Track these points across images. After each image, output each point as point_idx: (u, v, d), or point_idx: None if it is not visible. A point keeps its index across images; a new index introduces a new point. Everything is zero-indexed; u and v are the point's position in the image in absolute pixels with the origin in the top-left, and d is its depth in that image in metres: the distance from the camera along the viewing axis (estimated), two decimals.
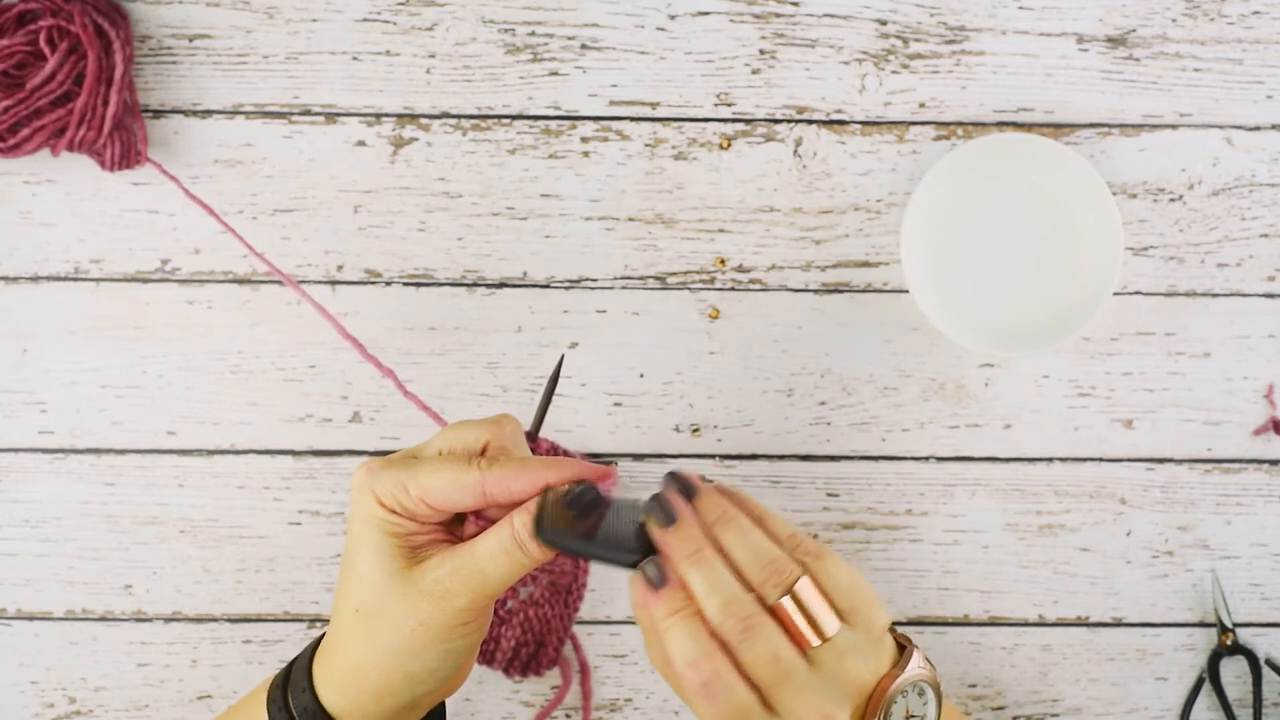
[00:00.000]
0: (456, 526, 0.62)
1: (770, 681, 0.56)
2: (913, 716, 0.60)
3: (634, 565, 0.58)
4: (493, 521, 0.60)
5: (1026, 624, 0.88)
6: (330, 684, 0.61)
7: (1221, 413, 0.88)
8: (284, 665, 0.64)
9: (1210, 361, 0.88)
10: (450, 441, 0.61)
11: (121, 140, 0.84)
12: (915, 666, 0.61)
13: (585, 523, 0.58)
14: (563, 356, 0.72)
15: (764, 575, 0.57)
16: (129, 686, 0.88)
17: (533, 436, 0.84)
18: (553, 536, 0.57)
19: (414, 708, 0.62)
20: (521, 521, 0.58)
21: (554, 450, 0.85)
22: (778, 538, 0.58)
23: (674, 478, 0.59)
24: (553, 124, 0.88)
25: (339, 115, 0.87)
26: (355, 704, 0.61)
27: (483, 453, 0.60)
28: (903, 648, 0.62)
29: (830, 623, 0.57)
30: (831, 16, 0.88)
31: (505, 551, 0.58)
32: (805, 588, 0.57)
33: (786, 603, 0.56)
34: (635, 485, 0.88)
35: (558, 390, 0.84)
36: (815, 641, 0.56)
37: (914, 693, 0.60)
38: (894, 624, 0.88)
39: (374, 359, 0.84)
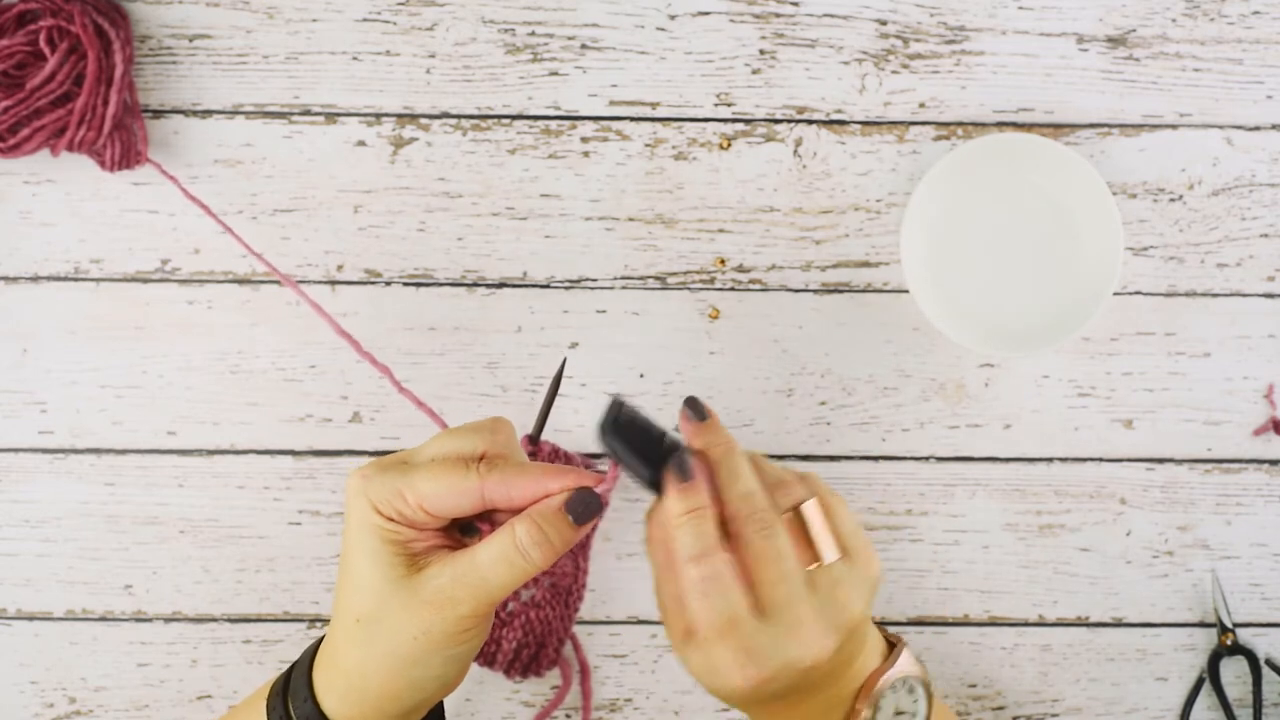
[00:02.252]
0: (454, 531, 0.62)
1: (772, 579, 0.57)
2: (902, 713, 0.61)
3: (659, 481, 0.59)
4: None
5: (1026, 624, 0.88)
6: (332, 691, 0.61)
7: (1221, 413, 0.88)
8: (282, 672, 0.64)
9: (1210, 361, 0.88)
10: (445, 448, 0.60)
11: (121, 140, 0.84)
12: (905, 663, 0.61)
13: (635, 438, 0.59)
14: (565, 360, 0.72)
15: (777, 489, 0.59)
16: (129, 686, 0.88)
17: (535, 439, 0.84)
18: (611, 437, 0.58)
19: (415, 711, 0.62)
20: (524, 529, 0.58)
21: (556, 453, 0.85)
22: (789, 478, 0.61)
23: (692, 401, 0.61)
24: (553, 124, 0.88)
25: (339, 115, 0.87)
26: (358, 711, 0.60)
27: (480, 459, 0.60)
28: (893, 645, 0.62)
29: (830, 550, 0.58)
30: (831, 16, 0.88)
31: (507, 559, 0.58)
32: (812, 510, 0.59)
33: (793, 518, 0.58)
34: (636, 485, 0.88)
35: (558, 391, 0.84)
36: (820, 560, 0.58)
37: (904, 689, 0.61)
38: (894, 624, 0.88)
39: (369, 356, 0.84)
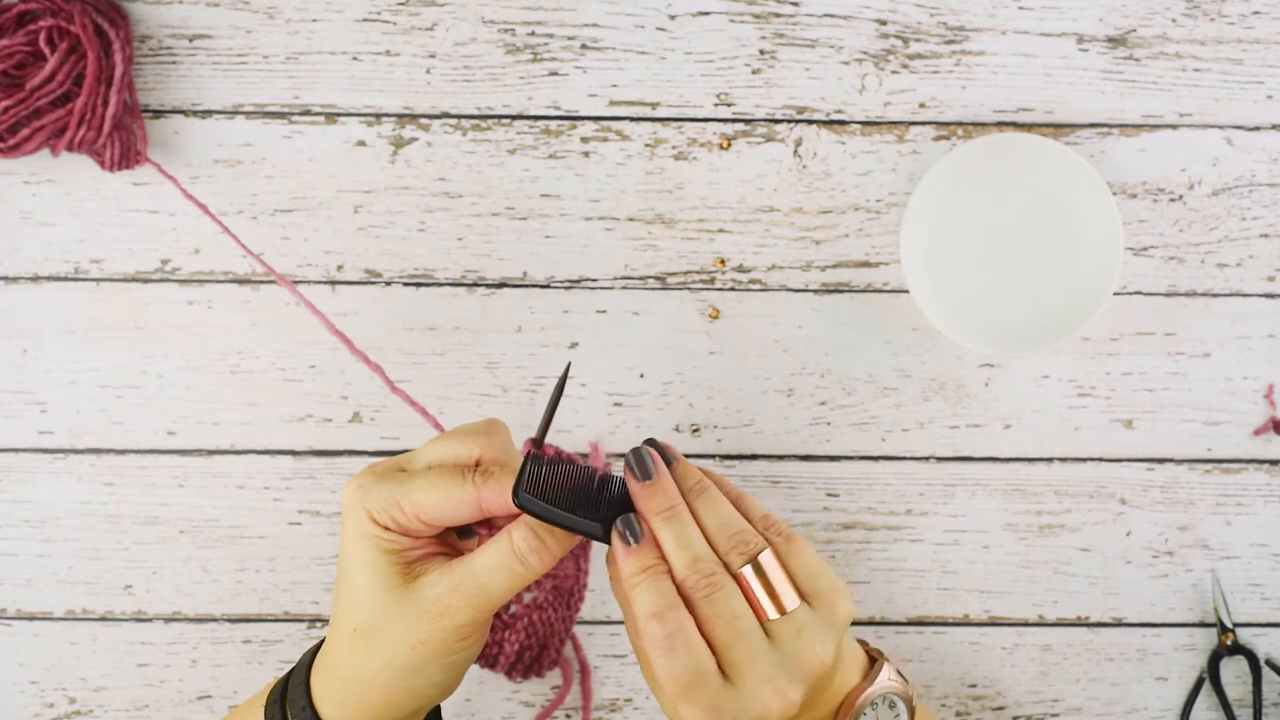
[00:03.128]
0: (450, 537, 0.62)
1: (726, 640, 0.56)
2: None
3: (606, 534, 0.58)
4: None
5: (1026, 624, 0.88)
6: (330, 698, 0.61)
7: (1221, 413, 0.88)
8: (279, 678, 0.63)
9: (1210, 361, 0.88)
10: (440, 454, 0.60)
11: (121, 140, 0.84)
12: (885, 679, 0.61)
13: (562, 492, 0.58)
14: (569, 364, 0.72)
15: (730, 544, 0.58)
16: (129, 686, 0.88)
17: (539, 443, 0.84)
18: (527, 502, 0.57)
19: (413, 716, 0.62)
20: (521, 536, 0.58)
21: (559, 456, 0.85)
22: (750, 516, 0.60)
23: (652, 444, 0.60)
24: (553, 124, 0.88)
25: (339, 115, 0.87)
26: (356, 718, 0.60)
27: (476, 464, 0.59)
28: (874, 660, 0.62)
29: (790, 598, 0.58)
30: (831, 16, 0.88)
31: (505, 566, 0.58)
32: (769, 560, 0.58)
33: (748, 572, 0.57)
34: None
35: (563, 394, 0.84)
36: (773, 614, 0.57)
37: (884, 705, 0.61)
38: (894, 624, 0.88)
39: (362, 355, 0.84)
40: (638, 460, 0.59)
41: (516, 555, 0.58)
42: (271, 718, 0.61)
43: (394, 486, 0.58)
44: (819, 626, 0.57)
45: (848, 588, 0.59)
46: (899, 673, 0.62)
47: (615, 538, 0.58)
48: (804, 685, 0.57)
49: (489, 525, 0.61)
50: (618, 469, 0.62)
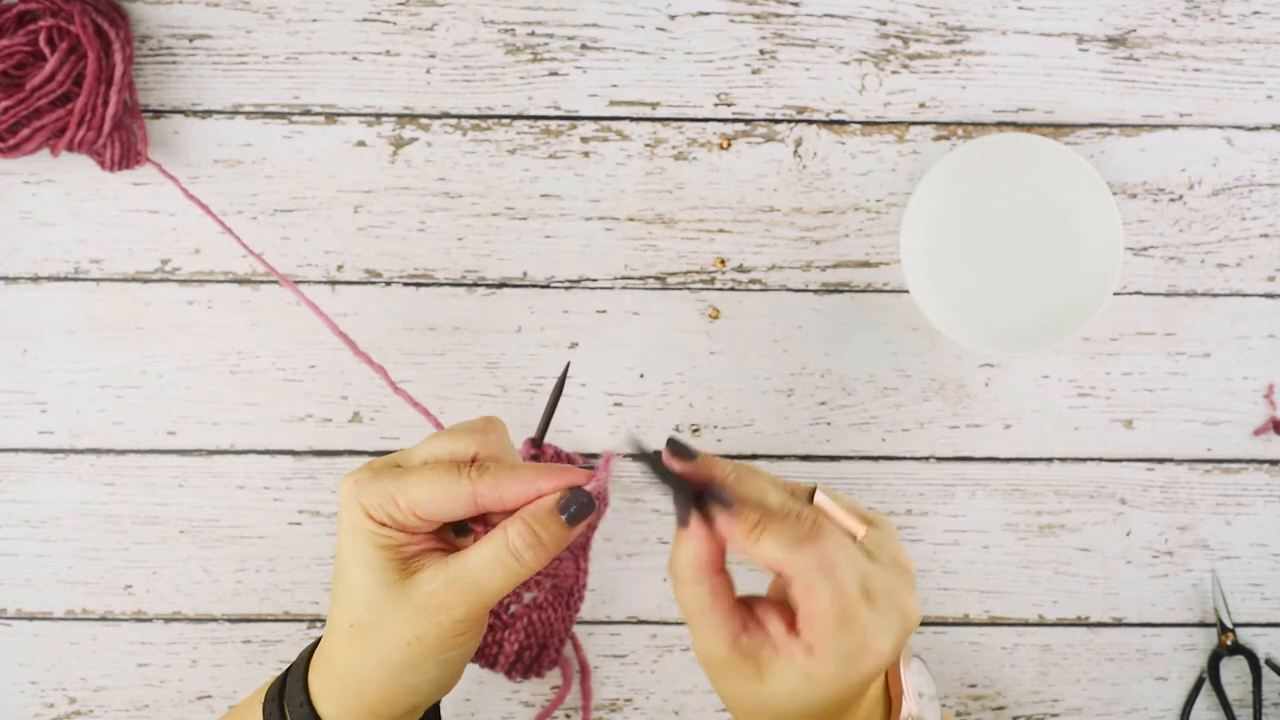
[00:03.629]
0: (447, 533, 0.62)
1: (842, 560, 0.56)
2: None
3: (692, 510, 0.59)
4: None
5: (1026, 624, 0.88)
6: (328, 696, 0.61)
7: (1221, 413, 0.88)
8: (277, 676, 0.64)
9: (1210, 361, 0.88)
10: (437, 450, 0.60)
11: (121, 140, 0.84)
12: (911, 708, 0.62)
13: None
14: (569, 364, 0.72)
15: (789, 488, 0.60)
16: (129, 686, 0.88)
17: (538, 443, 0.84)
18: (680, 444, 0.58)
19: (412, 713, 0.62)
20: (516, 531, 0.58)
21: (559, 455, 0.85)
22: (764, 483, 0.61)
23: (673, 443, 0.60)
24: (553, 124, 0.88)
25: (339, 115, 0.87)
26: (353, 715, 0.60)
27: (472, 461, 0.59)
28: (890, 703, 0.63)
29: (856, 525, 0.59)
30: (831, 16, 0.88)
31: (500, 562, 0.58)
32: (822, 498, 0.59)
33: (822, 499, 0.59)
34: (635, 484, 0.88)
35: (562, 394, 0.84)
36: (859, 533, 0.59)
37: None
38: None
39: (364, 355, 0.84)
40: (676, 446, 0.59)
41: (511, 551, 0.58)
42: (269, 715, 0.61)
43: (390, 482, 0.58)
44: (890, 540, 0.59)
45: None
46: (918, 698, 0.63)
47: (718, 510, 0.58)
48: (910, 589, 0.58)
49: (485, 524, 0.61)
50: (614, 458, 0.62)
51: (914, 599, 0.58)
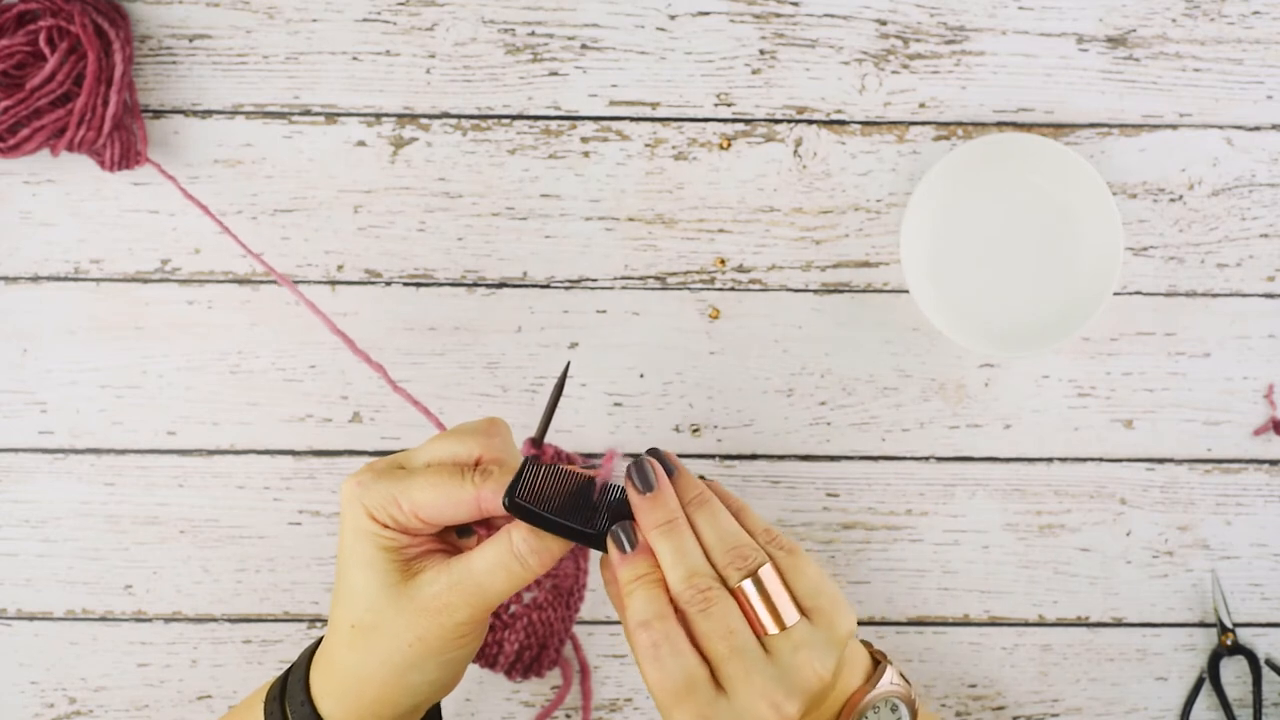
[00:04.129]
0: (450, 535, 0.62)
1: (722, 656, 0.56)
2: None
3: (600, 540, 0.58)
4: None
5: (1026, 624, 0.88)
6: (329, 695, 0.61)
7: (1221, 413, 0.88)
8: (279, 675, 0.64)
9: (1210, 361, 0.88)
10: (440, 452, 0.60)
11: (121, 140, 0.84)
12: (888, 682, 0.61)
13: (558, 498, 0.58)
14: (569, 363, 0.72)
15: (728, 558, 0.57)
16: (129, 686, 0.88)
17: (538, 443, 0.84)
18: (517, 506, 0.57)
19: (413, 713, 0.62)
20: (520, 536, 0.58)
21: (559, 455, 0.85)
22: (752, 530, 0.59)
23: (654, 453, 0.60)
24: (553, 124, 0.88)
25: (339, 115, 0.87)
26: (354, 714, 0.60)
27: (476, 464, 0.59)
28: (877, 663, 0.62)
29: (790, 613, 0.57)
30: (831, 16, 0.88)
31: (504, 565, 0.58)
32: (768, 575, 0.57)
33: (748, 586, 0.57)
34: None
35: (562, 394, 0.84)
36: (772, 629, 0.57)
37: (886, 708, 0.61)
38: (894, 624, 0.88)
39: (364, 354, 0.84)
40: (639, 471, 0.59)
41: (515, 555, 0.58)
42: (271, 714, 0.61)
43: (392, 484, 0.58)
44: (819, 642, 0.57)
45: (850, 603, 0.59)
46: (902, 675, 0.62)
47: (611, 545, 0.58)
48: (801, 701, 0.56)
49: (487, 525, 0.61)
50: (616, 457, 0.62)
51: (791, 704, 0.56)
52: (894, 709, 0.61)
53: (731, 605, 0.57)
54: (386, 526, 0.58)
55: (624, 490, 0.59)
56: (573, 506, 0.58)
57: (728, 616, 0.56)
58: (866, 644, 0.64)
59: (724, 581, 0.57)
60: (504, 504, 0.57)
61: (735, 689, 0.56)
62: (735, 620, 0.56)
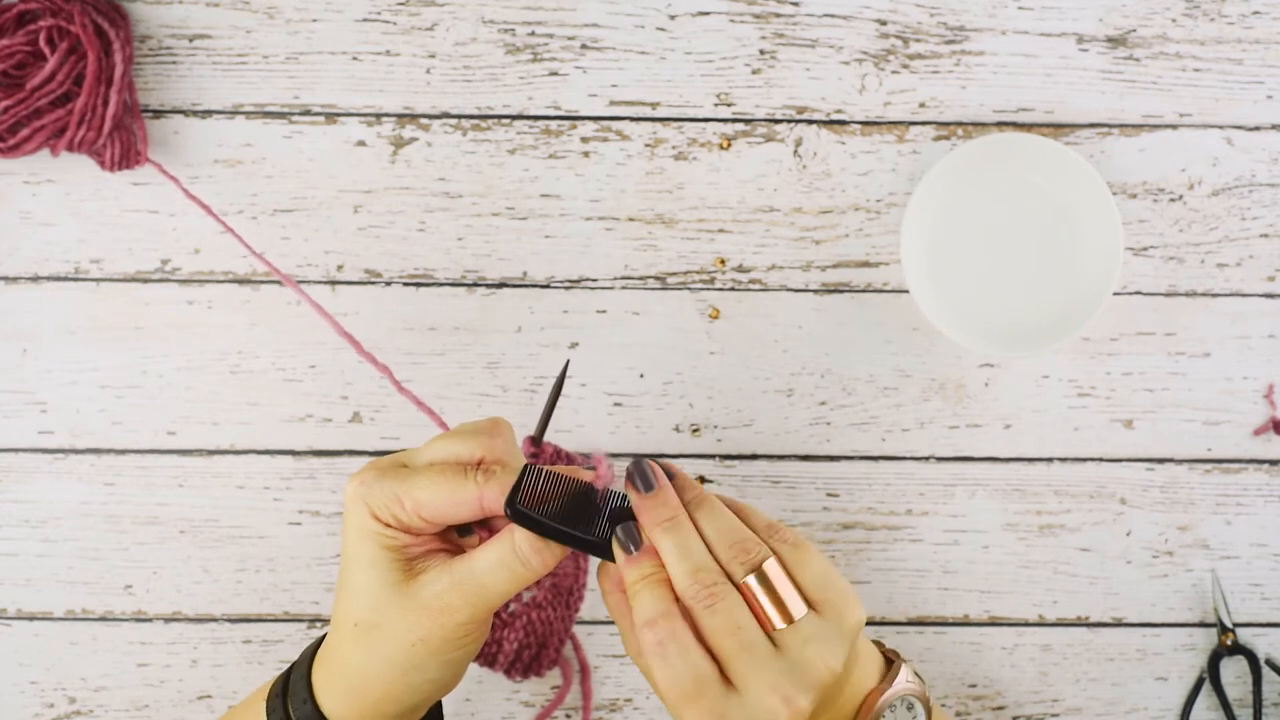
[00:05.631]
0: (452, 534, 0.62)
1: (730, 652, 0.56)
2: None
3: (602, 546, 0.58)
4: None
5: (1026, 624, 0.88)
6: (331, 693, 0.61)
7: (1221, 413, 0.88)
8: (281, 673, 0.64)
9: (1210, 361, 0.88)
10: (443, 452, 0.60)
11: (121, 140, 0.84)
12: (904, 681, 0.61)
13: (558, 504, 0.58)
14: (568, 362, 0.72)
15: (732, 553, 0.57)
16: (129, 686, 0.88)
17: (537, 442, 0.84)
18: (518, 514, 0.57)
19: (414, 711, 0.62)
20: (523, 535, 0.58)
21: (558, 454, 0.85)
22: (754, 526, 0.59)
23: (650, 460, 0.60)
24: (553, 124, 0.88)
25: (339, 115, 0.87)
26: (356, 712, 0.60)
27: (479, 464, 0.59)
28: (890, 662, 0.62)
29: (798, 607, 0.57)
30: (831, 16, 0.88)
31: (506, 565, 0.58)
32: (773, 569, 0.57)
33: (752, 581, 0.57)
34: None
35: (561, 393, 0.84)
36: (779, 623, 0.57)
37: (902, 706, 0.61)
38: (894, 624, 0.88)
39: (369, 356, 0.84)
40: (639, 471, 0.59)
41: (518, 555, 0.58)
42: (273, 710, 0.62)
43: (396, 483, 0.58)
44: (828, 635, 0.57)
45: (857, 595, 0.59)
46: (916, 674, 0.62)
47: (616, 546, 0.58)
48: (812, 694, 0.56)
49: (488, 526, 0.61)
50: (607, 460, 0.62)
51: (802, 697, 0.55)
52: (910, 707, 0.61)
53: (738, 600, 0.56)
54: (389, 525, 0.59)
55: (624, 497, 0.59)
56: (574, 511, 0.58)
57: (734, 612, 0.56)
58: (878, 643, 0.64)
59: (730, 578, 0.57)
60: (506, 513, 0.57)
61: (745, 685, 0.55)
62: (742, 615, 0.56)
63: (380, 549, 0.59)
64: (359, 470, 0.60)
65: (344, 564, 0.60)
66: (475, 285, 0.88)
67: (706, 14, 0.87)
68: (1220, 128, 0.88)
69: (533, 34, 0.87)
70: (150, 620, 0.88)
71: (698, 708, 0.56)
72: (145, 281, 0.87)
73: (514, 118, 0.88)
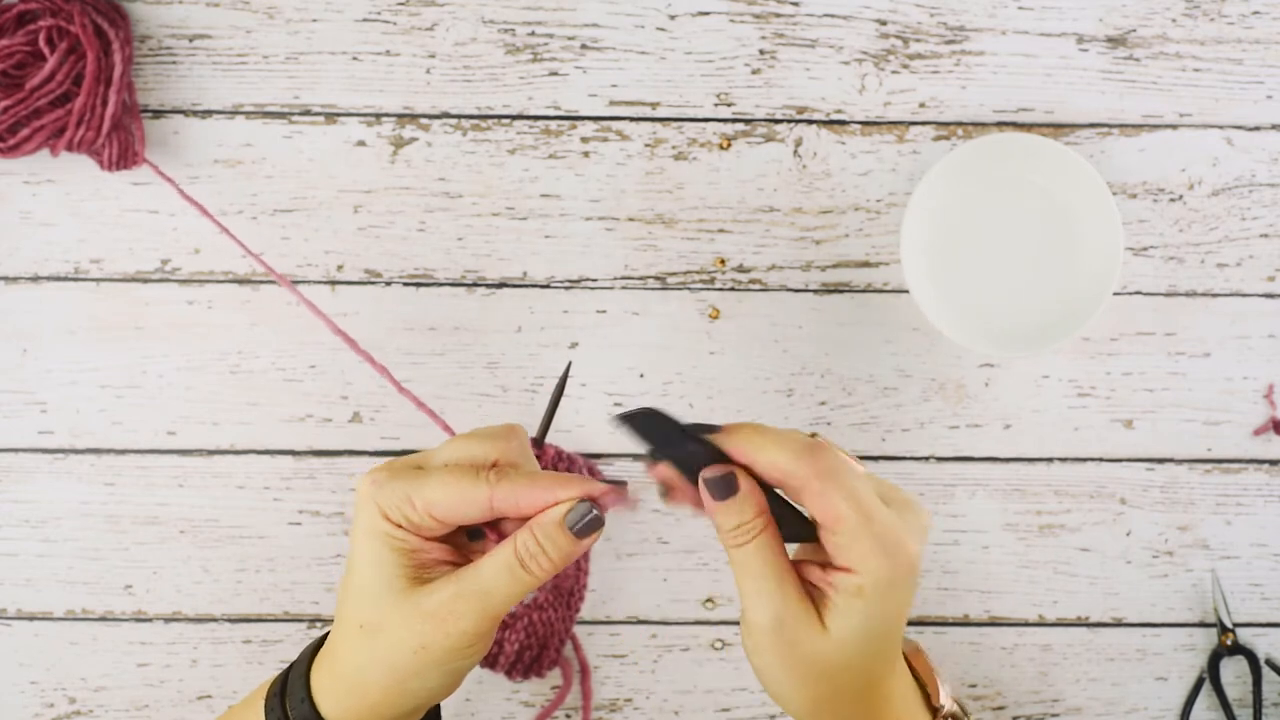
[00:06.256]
0: (464, 545, 0.62)
1: (865, 490, 0.57)
2: None
3: (690, 463, 0.59)
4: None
5: (1026, 624, 0.88)
6: (330, 694, 0.61)
7: (1221, 413, 0.88)
8: (280, 672, 0.64)
9: (1210, 361, 0.88)
10: (458, 453, 0.60)
11: (120, 140, 0.84)
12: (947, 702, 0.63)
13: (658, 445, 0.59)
14: (570, 363, 0.72)
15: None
16: (129, 686, 0.88)
17: (538, 442, 0.84)
18: (635, 414, 0.58)
19: (412, 714, 0.62)
20: (524, 540, 0.58)
21: (560, 455, 0.85)
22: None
23: (646, 411, 0.61)
24: (553, 124, 0.88)
25: (339, 115, 0.87)
26: (354, 715, 0.60)
27: (492, 466, 0.59)
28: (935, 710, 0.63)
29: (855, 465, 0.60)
30: (831, 16, 0.88)
31: (508, 569, 0.58)
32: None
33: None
34: (637, 485, 0.88)
35: (563, 394, 0.84)
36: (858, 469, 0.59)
37: None
38: None
39: (368, 355, 0.84)
40: (716, 482, 0.59)
41: (520, 559, 0.58)
42: (271, 710, 0.62)
43: (407, 483, 0.58)
44: (909, 520, 0.59)
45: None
46: (961, 709, 0.63)
47: (713, 485, 0.59)
48: (925, 542, 0.59)
49: (498, 532, 0.61)
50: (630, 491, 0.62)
51: (926, 513, 0.60)
52: None
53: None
54: (400, 527, 0.59)
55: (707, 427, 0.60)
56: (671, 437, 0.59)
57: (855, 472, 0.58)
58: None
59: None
60: (617, 415, 0.58)
61: (888, 498, 0.59)
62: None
63: (388, 550, 0.59)
64: (372, 469, 0.60)
65: (350, 563, 0.60)
66: (475, 285, 0.88)
67: (706, 14, 0.87)
68: (1220, 128, 0.88)
69: (533, 34, 0.87)
70: (150, 620, 0.88)
71: (877, 523, 0.57)
72: (145, 281, 0.87)
73: (514, 118, 0.88)
